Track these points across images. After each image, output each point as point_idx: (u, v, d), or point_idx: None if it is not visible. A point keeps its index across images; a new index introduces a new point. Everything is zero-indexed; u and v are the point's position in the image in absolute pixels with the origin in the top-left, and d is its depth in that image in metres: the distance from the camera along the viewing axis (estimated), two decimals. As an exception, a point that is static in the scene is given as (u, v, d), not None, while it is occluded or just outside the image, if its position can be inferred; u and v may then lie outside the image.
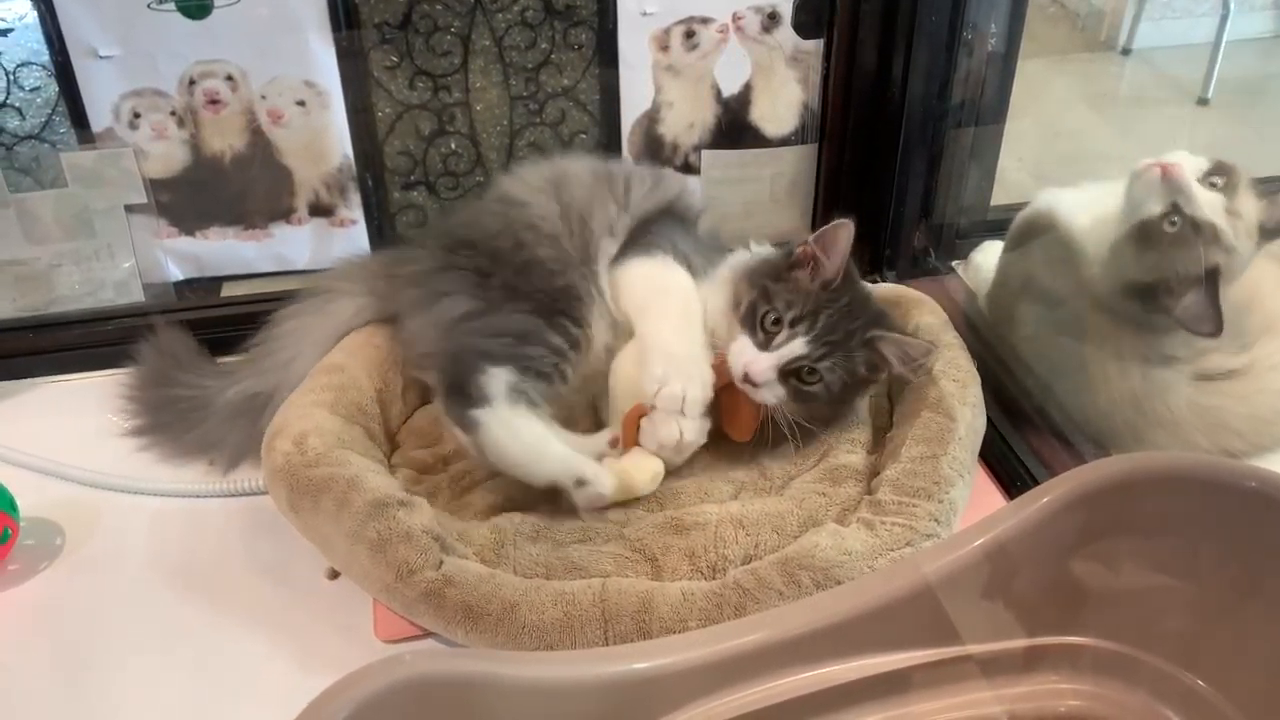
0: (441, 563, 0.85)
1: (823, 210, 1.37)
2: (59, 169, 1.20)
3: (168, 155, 1.24)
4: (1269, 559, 0.74)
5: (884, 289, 1.16)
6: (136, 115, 1.21)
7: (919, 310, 1.10)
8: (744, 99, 1.33)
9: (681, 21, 1.28)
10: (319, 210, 1.31)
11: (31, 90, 1.19)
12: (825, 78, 1.30)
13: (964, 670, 0.77)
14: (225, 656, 0.89)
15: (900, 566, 0.75)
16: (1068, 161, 1.48)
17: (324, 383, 1.01)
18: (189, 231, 1.29)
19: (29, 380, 1.22)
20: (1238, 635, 0.76)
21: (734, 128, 1.34)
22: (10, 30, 1.16)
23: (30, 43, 1.17)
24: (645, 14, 1.27)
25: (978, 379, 1.02)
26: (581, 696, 0.68)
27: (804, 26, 1.28)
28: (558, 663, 0.72)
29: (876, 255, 1.29)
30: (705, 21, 1.28)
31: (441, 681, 0.64)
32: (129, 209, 1.24)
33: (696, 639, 0.72)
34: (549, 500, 0.96)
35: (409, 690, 0.63)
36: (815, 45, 1.30)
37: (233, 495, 1.04)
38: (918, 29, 1.17)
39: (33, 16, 1.15)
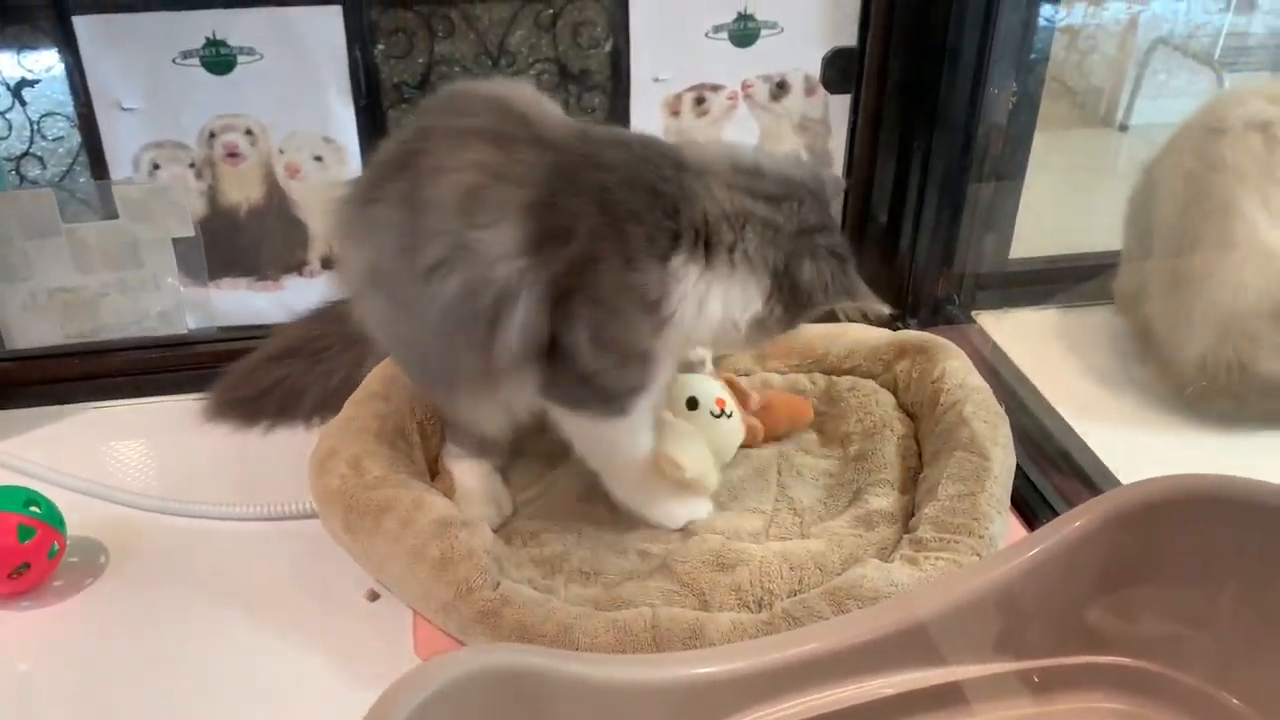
0: (499, 584, 0.87)
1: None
2: (111, 201, 1.22)
3: (186, 206, 1.25)
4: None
5: (908, 335, 1.18)
6: (156, 166, 1.22)
7: (944, 355, 1.11)
8: (752, 164, 1.36)
9: (692, 88, 1.31)
10: (331, 263, 1.31)
11: (54, 140, 1.21)
12: (851, 131, 1.33)
13: (1007, 686, 0.76)
14: (266, 674, 0.90)
15: (943, 583, 0.76)
16: (1070, 230, 1.51)
17: (366, 411, 1.03)
18: (202, 282, 1.29)
19: (75, 405, 1.24)
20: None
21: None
22: (37, 81, 1.18)
23: (56, 94, 1.19)
24: (657, 80, 1.30)
25: (1006, 420, 1.03)
26: (642, 698, 0.70)
27: (832, 83, 1.31)
28: (623, 664, 0.74)
29: (899, 303, 1.31)
30: (715, 88, 1.31)
31: (515, 674, 0.66)
32: (176, 242, 1.25)
33: (754, 647, 0.74)
34: (589, 520, 0.99)
35: (484, 681, 0.64)
36: (822, 113, 1.33)
37: (273, 519, 1.06)
38: (942, 87, 1.22)
39: (60, 69, 1.17)
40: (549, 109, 0.91)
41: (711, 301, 0.83)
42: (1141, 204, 1.27)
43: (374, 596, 0.96)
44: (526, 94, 0.91)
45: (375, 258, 0.87)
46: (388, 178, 0.87)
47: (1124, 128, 1.67)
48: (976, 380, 1.07)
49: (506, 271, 0.81)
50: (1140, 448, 1.16)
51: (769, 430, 1.08)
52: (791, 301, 0.85)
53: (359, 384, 1.06)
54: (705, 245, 0.83)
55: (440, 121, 0.89)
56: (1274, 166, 1.11)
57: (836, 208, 1.31)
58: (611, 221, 0.81)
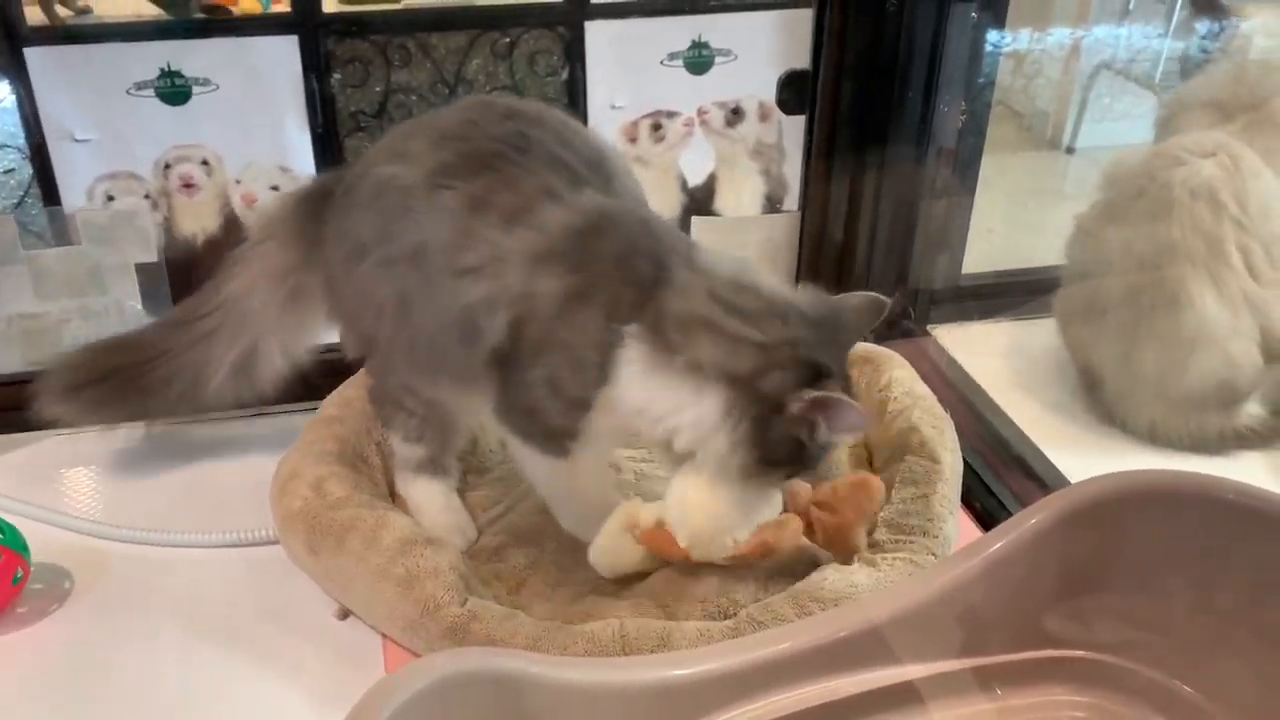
0: (466, 600, 0.87)
1: (805, 275, 1.38)
2: (74, 227, 1.20)
3: (139, 238, 1.25)
4: (1263, 573, 0.76)
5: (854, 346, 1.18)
6: (110, 198, 1.21)
7: (890, 364, 1.13)
8: (708, 189, 1.37)
9: (649, 115, 1.32)
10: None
11: (5, 172, 1.20)
12: (806, 152, 1.34)
13: (969, 682, 0.77)
14: (235, 700, 0.89)
15: (907, 583, 0.76)
16: (1020, 248, 1.54)
17: (325, 434, 1.04)
18: (157, 313, 1.28)
19: (38, 432, 1.21)
20: (1238, 649, 0.76)
21: (699, 216, 1.38)
22: (-13, 113, 1.17)
23: (7, 125, 1.18)
24: (615, 107, 1.31)
25: (952, 424, 1.06)
26: (616, 700, 0.70)
27: (787, 104, 1.33)
28: (597, 667, 0.75)
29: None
30: (672, 115, 1.33)
31: (491, 678, 0.66)
32: (139, 267, 1.24)
33: (725, 649, 0.75)
34: (551, 535, 0.99)
35: (459, 684, 0.64)
36: (776, 138, 1.35)
37: (238, 545, 1.05)
38: (895, 104, 1.24)
39: (11, 100, 1.16)
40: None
41: (653, 385, 0.83)
42: (1083, 258, 1.26)
43: (344, 614, 0.95)
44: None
45: (427, 240, 0.88)
46: (463, 172, 0.88)
47: (1070, 150, 1.71)
48: (922, 388, 1.10)
49: (518, 278, 0.85)
50: (1094, 451, 1.18)
51: (835, 530, 0.93)
52: (760, 416, 0.82)
53: (203, 390, 1.04)
54: (661, 335, 0.83)
55: (539, 134, 0.90)
56: (1223, 239, 1.12)
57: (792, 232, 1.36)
58: (620, 276, 0.85)
